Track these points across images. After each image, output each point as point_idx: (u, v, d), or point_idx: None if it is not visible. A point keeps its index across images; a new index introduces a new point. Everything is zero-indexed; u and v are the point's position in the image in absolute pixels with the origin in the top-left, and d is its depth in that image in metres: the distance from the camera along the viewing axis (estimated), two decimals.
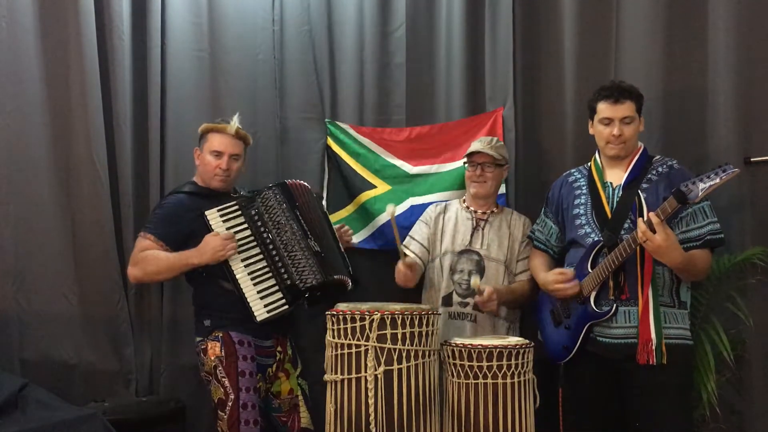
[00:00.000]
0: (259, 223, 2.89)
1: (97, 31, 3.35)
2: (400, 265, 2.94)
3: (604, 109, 2.69)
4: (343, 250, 3.08)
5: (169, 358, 3.38)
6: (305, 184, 3.13)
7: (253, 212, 2.91)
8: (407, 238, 3.17)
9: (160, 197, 3.39)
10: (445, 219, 3.13)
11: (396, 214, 3.37)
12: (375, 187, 3.47)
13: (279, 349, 3.00)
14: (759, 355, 2.84)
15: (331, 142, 3.51)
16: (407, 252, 3.05)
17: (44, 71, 3.34)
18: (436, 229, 3.13)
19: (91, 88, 3.32)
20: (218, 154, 2.93)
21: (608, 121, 2.69)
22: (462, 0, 3.46)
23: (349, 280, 2.96)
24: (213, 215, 2.85)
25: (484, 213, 3.10)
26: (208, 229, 2.84)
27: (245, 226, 2.89)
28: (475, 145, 3.07)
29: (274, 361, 2.98)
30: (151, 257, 2.81)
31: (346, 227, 3.22)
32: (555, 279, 2.72)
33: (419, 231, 3.16)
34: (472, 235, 3.05)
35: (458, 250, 3.04)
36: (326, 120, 3.53)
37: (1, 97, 3.29)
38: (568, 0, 3.30)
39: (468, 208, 3.12)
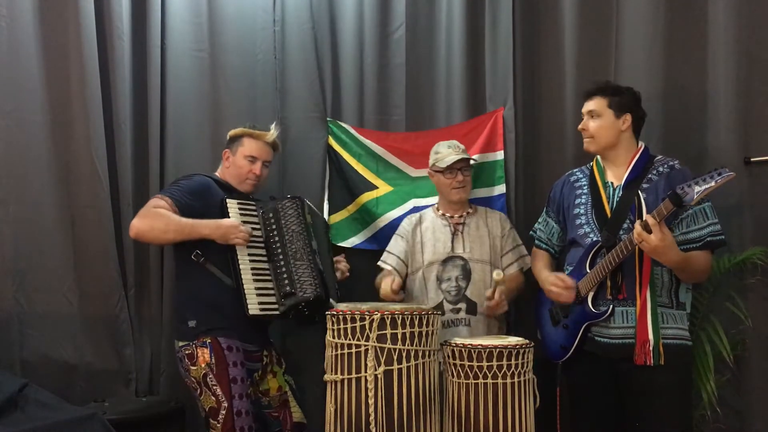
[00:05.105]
0: (273, 227, 2.94)
1: (97, 30, 3.34)
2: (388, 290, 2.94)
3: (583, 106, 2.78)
4: (335, 274, 3.12)
5: (169, 358, 3.36)
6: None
7: (270, 215, 2.96)
8: (384, 252, 3.18)
9: None
10: (422, 230, 3.13)
11: (398, 215, 3.38)
12: (377, 188, 3.47)
13: (265, 353, 3.00)
14: (759, 355, 2.83)
15: (332, 141, 3.51)
16: (385, 266, 3.13)
17: (44, 71, 3.34)
18: (414, 241, 3.12)
19: (91, 88, 3.31)
20: (253, 160, 2.99)
21: (583, 117, 2.77)
22: (462, 0, 3.46)
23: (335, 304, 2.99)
24: (232, 204, 2.90)
25: (460, 216, 3.10)
26: (224, 215, 2.86)
27: (258, 226, 2.94)
28: (450, 156, 3.02)
29: (261, 366, 2.98)
30: (163, 214, 2.76)
31: (344, 262, 3.22)
32: (553, 282, 2.73)
33: (396, 245, 3.16)
34: (452, 241, 3.06)
35: (442, 259, 3.04)
36: (328, 119, 3.52)
37: (1, 97, 3.29)
38: (567, 0, 3.30)
39: (444, 215, 3.12)
